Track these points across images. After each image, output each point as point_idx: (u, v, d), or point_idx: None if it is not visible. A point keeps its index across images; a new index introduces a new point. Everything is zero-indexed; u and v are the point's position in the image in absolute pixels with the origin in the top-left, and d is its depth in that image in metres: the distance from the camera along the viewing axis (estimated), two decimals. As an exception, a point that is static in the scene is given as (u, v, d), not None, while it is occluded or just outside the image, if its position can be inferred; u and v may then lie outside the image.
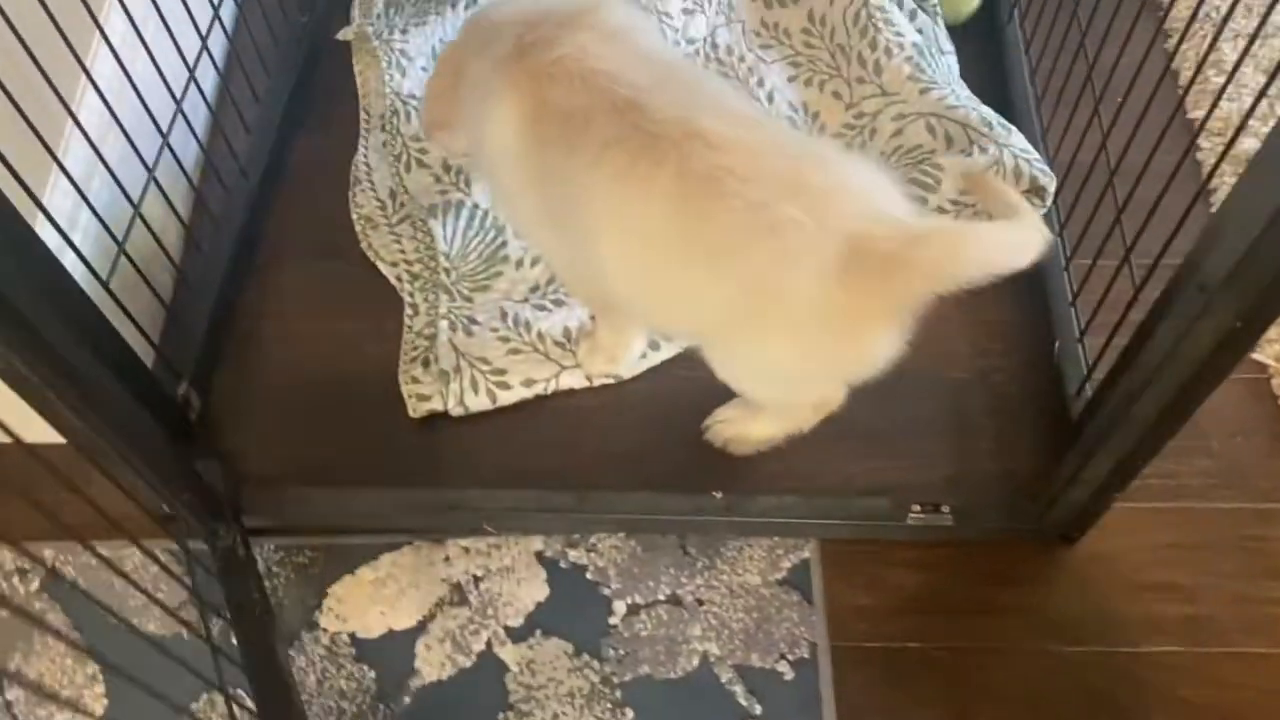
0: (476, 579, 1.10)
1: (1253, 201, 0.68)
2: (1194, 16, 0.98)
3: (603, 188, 0.90)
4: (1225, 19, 0.87)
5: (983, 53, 1.38)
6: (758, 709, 1.03)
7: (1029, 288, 1.20)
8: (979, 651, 1.06)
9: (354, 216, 1.30)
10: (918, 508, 1.07)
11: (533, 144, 0.95)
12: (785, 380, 1.00)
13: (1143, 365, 0.84)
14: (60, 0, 0.95)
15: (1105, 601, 1.08)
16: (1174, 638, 1.06)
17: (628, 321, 1.16)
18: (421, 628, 1.08)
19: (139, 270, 1.08)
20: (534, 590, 1.10)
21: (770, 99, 1.33)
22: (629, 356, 1.18)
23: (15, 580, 1.12)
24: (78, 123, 1.00)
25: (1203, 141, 1.35)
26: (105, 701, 1.05)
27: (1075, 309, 1.14)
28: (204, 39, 1.20)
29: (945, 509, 1.07)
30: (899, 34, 1.31)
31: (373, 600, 1.10)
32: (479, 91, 1.00)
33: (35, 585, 1.11)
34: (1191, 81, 0.98)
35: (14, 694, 1.05)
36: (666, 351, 1.18)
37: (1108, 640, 1.06)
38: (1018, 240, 0.89)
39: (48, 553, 1.13)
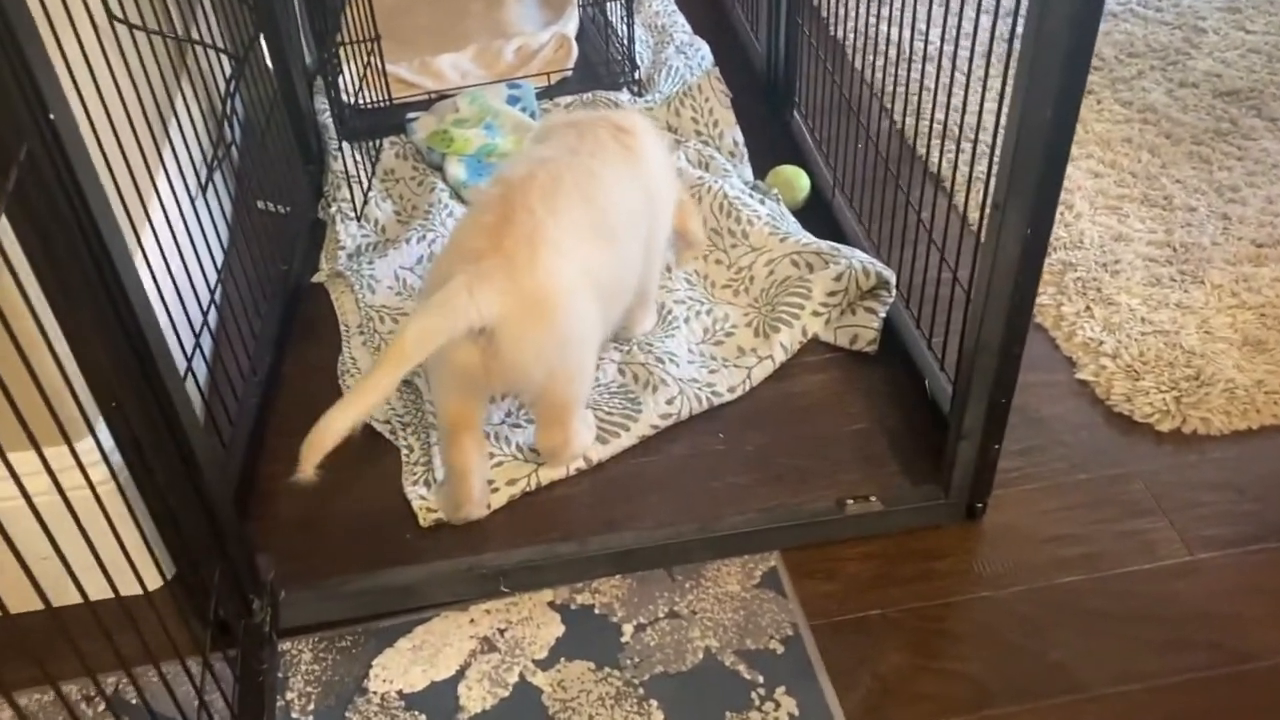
0: (501, 631, 1.27)
1: (1011, 138, 1.04)
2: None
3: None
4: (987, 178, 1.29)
5: (822, 218, 1.80)
6: (761, 679, 1.21)
7: (900, 357, 1.54)
8: (929, 607, 1.28)
9: (347, 396, 1.56)
10: (852, 501, 1.33)
11: None
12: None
13: (978, 296, 1.16)
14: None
15: (1017, 555, 1.32)
16: (1075, 570, 1.30)
17: None
18: (460, 675, 1.23)
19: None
20: (552, 630, 1.27)
21: (668, 269, 1.70)
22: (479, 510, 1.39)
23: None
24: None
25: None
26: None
27: (931, 349, 1.48)
28: (212, 290, 1.51)
29: (873, 499, 1.33)
30: (754, 211, 1.73)
31: (413, 662, 1.25)
32: None
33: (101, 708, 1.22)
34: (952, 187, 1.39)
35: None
36: (627, 440, 1.45)
37: (1026, 581, 1.29)
38: None
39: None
